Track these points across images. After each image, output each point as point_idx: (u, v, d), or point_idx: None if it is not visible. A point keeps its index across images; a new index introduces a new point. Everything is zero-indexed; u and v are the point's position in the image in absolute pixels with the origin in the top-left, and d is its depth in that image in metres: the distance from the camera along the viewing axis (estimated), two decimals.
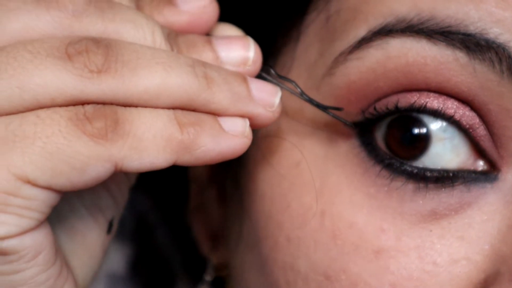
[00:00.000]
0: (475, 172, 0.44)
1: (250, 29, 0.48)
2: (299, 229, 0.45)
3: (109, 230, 0.46)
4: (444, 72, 0.43)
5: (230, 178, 0.52)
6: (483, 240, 0.43)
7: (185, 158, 0.40)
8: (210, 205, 0.56)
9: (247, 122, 0.42)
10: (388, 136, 0.45)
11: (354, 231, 0.44)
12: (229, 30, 0.46)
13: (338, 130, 0.46)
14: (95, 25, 0.41)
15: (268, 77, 0.45)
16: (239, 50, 0.44)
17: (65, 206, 0.44)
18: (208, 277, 0.56)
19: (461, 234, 0.43)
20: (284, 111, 0.47)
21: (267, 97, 0.43)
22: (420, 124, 0.44)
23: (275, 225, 0.47)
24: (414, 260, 0.43)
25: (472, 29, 0.42)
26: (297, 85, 0.45)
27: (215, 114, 0.42)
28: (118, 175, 0.45)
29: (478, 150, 0.44)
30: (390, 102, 0.44)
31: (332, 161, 0.46)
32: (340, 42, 0.45)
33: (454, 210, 0.44)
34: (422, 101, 0.43)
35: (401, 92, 0.44)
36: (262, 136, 0.48)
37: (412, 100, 0.43)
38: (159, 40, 0.42)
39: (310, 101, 0.45)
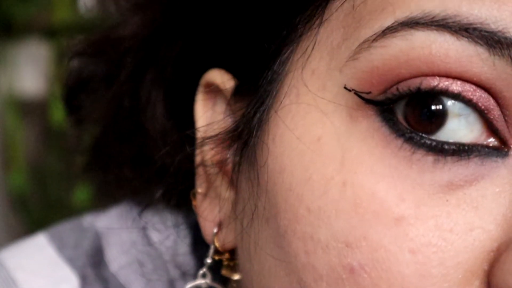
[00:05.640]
0: (487, 147, 0.46)
1: (272, 21, 0.52)
2: (320, 199, 0.47)
3: None
4: (465, 64, 0.45)
5: (245, 158, 0.54)
6: (496, 211, 0.45)
7: None
8: (217, 190, 0.57)
9: None
10: (406, 112, 0.47)
11: (375, 199, 0.46)
12: None
13: (359, 108, 0.48)
14: None
15: None
16: None
17: None
18: (208, 260, 0.57)
19: (476, 204, 0.46)
20: (307, 89, 0.49)
21: None
22: (438, 101, 0.46)
23: (295, 197, 0.48)
24: (431, 227, 0.45)
25: (493, 27, 0.45)
26: None
27: None
28: None
29: (491, 129, 0.47)
30: (413, 84, 0.46)
31: (354, 136, 0.48)
32: (366, 29, 0.47)
33: (469, 181, 0.46)
34: (443, 85, 0.46)
35: (423, 76, 0.46)
36: (285, 112, 0.50)
37: (434, 84, 0.46)
38: None
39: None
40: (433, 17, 0.45)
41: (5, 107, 1.63)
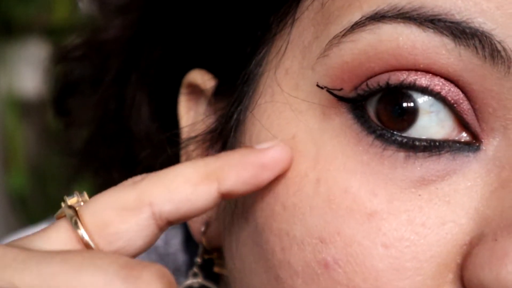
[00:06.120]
0: (459, 142, 0.47)
1: (247, 21, 0.52)
2: (295, 196, 0.48)
3: None
4: (432, 56, 0.46)
5: None
6: (468, 205, 0.46)
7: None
8: None
9: None
10: (378, 110, 0.48)
11: (348, 195, 0.47)
12: None
13: (331, 106, 0.48)
14: None
15: None
16: None
17: None
18: (198, 259, 0.57)
19: (448, 198, 0.46)
20: (281, 88, 0.50)
21: None
22: (409, 98, 0.47)
23: (270, 195, 0.49)
24: (404, 222, 0.46)
25: (458, 18, 0.45)
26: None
27: None
28: None
29: (462, 124, 0.47)
30: (382, 79, 0.47)
31: (327, 133, 0.48)
32: (335, 26, 0.48)
33: (441, 176, 0.46)
34: (411, 79, 0.46)
35: (392, 71, 0.47)
36: (260, 111, 0.51)
37: (402, 78, 0.47)
38: None
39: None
40: (399, 10, 0.46)
41: (5, 107, 1.64)
